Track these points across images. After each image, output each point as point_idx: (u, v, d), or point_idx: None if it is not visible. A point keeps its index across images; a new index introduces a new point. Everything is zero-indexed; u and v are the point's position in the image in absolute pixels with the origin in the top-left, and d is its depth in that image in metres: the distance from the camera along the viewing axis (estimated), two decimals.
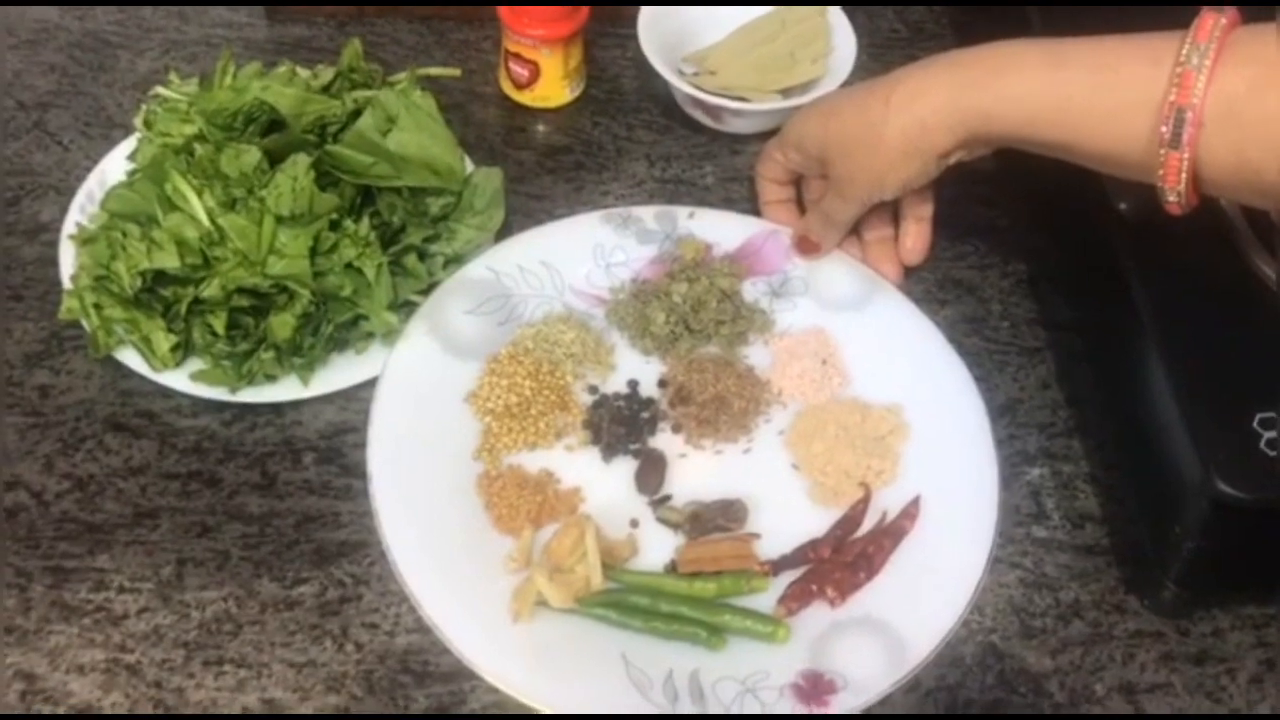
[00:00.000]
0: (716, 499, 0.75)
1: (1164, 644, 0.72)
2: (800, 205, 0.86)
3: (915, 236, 0.82)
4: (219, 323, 0.75)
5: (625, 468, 0.76)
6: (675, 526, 0.74)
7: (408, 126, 0.79)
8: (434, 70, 0.88)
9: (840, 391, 0.79)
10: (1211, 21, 0.62)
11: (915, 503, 0.74)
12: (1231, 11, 0.62)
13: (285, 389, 0.77)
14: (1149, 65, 0.63)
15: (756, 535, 0.74)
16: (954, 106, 0.71)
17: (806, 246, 0.83)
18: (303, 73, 0.84)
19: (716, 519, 0.74)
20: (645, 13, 0.93)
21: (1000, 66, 0.70)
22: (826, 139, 0.78)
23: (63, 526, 0.73)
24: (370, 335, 0.79)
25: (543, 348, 0.79)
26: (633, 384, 0.80)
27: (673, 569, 0.72)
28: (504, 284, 0.81)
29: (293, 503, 0.75)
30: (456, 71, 0.90)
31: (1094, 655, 0.72)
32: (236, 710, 0.67)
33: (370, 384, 0.76)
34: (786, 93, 0.93)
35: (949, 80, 0.72)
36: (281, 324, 0.75)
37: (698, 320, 0.81)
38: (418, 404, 0.76)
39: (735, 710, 0.66)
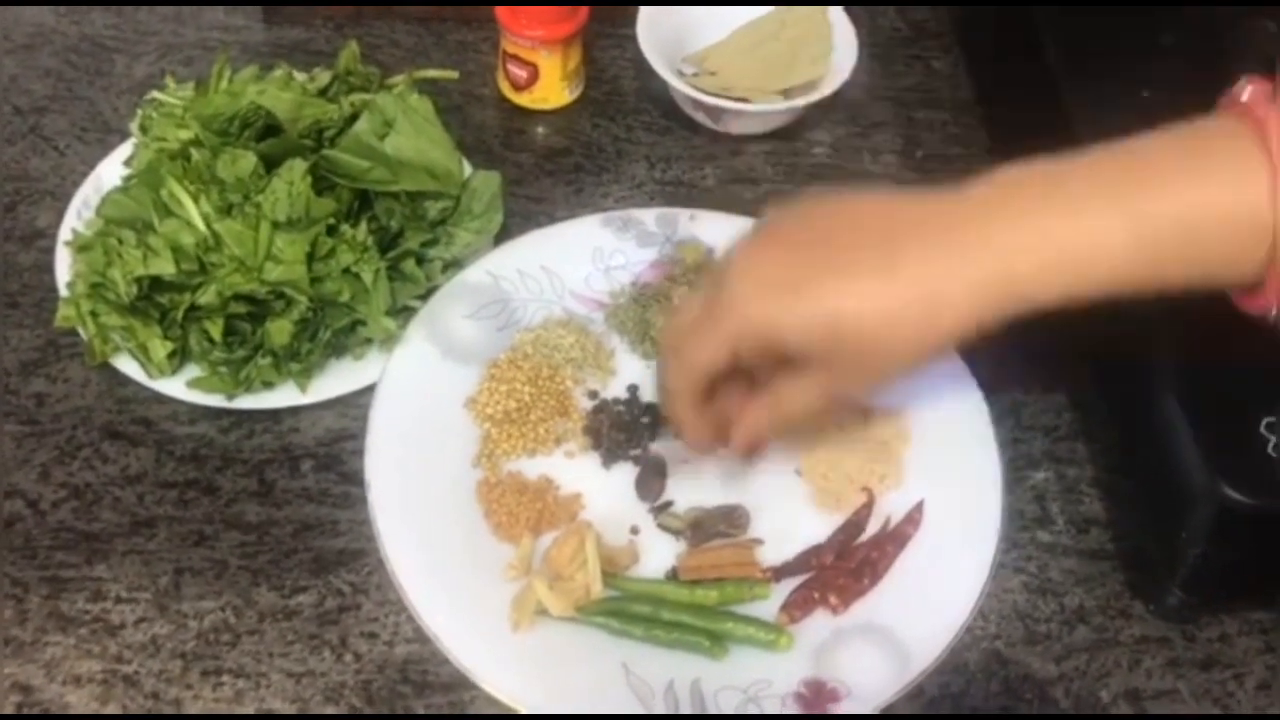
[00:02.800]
0: (718, 505, 0.74)
1: (1170, 650, 0.72)
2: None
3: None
4: (216, 329, 0.75)
5: (625, 474, 0.75)
6: (676, 533, 0.73)
7: (405, 130, 0.79)
8: (432, 73, 0.87)
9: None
10: None
11: (919, 508, 0.73)
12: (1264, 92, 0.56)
13: (283, 396, 0.77)
14: (1234, 188, 0.55)
15: (759, 541, 0.73)
16: (1008, 302, 0.58)
17: (752, 449, 0.69)
18: (299, 76, 0.83)
19: (718, 525, 0.73)
20: (644, 13, 0.92)
21: (1018, 238, 0.57)
22: (834, 350, 0.60)
23: (59, 536, 0.73)
24: (368, 341, 0.78)
25: (542, 352, 0.79)
26: (633, 389, 0.79)
27: (674, 576, 0.71)
28: (503, 288, 0.81)
29: (291, 511, 0.74)
30: (454, 74, 0.89)
31: (1099, 661, 0.71)
32: None
33: (369, 390, 0.76)
34: (787, 93, 0.92)
35: (999, 276, 0.57)
36: (279, 330, 0.75)
37: None
38: (416, 410, 0.75)
39: None
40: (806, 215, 0.62)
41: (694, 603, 0.70)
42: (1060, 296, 0.58)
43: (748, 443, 0.68)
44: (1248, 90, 0.56)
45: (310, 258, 0.75)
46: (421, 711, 0.68)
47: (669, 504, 0.74)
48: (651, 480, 0.75)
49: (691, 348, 0.63)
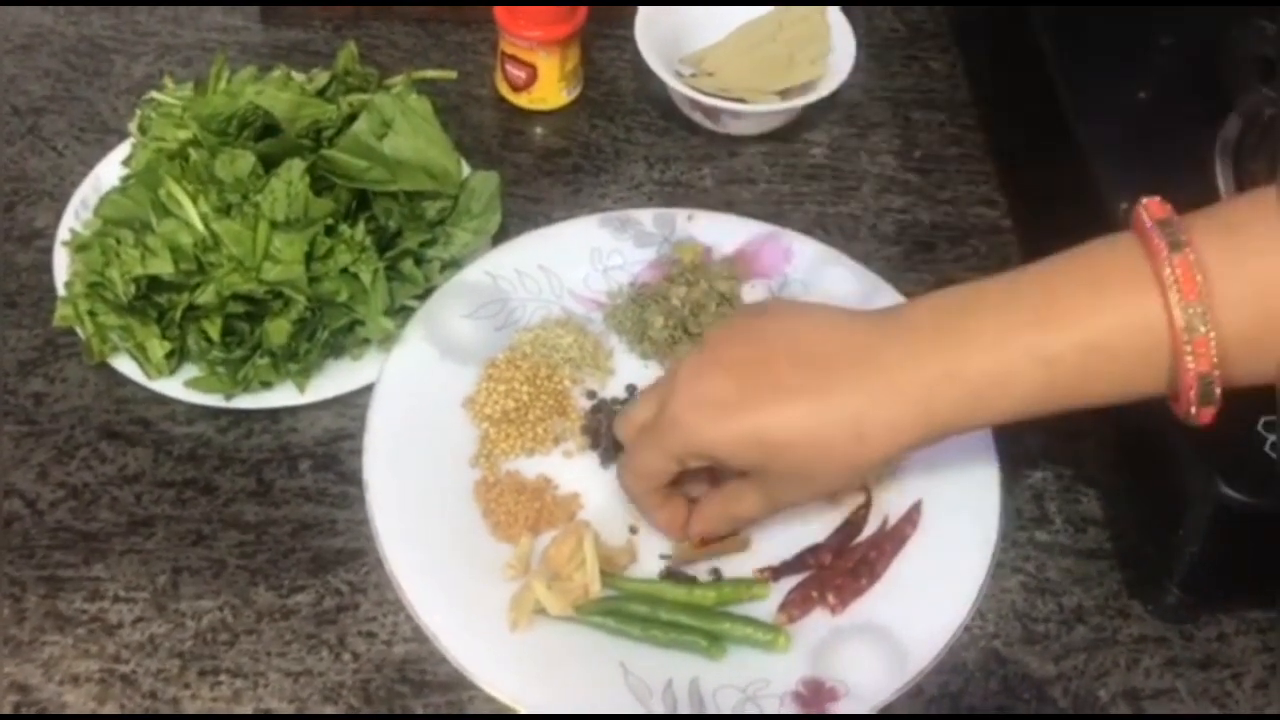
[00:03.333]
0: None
1: (1168, 649, 0.72)
2: None
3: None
4: (214, 329, 0.75)
5: None
6: None
7: (403, 130, 0.79)
8: (430, 73, 0.87)
9: None
10: (1185, 269, 0.55)
11: (917, 507, 0.73)
12: (1155, 227, 0.57)
13: (281, 395, 0.77)
14: (1134, 312, 0.57)
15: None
16: (931, 432, 0.63)
17: (708, 541, 0.72)
18: (298, 77, 0.83)
19: None
20: (643, 13, 0.92)
21: (931, 380, 0.61)
22: (767, 467, 0.65)
23: (57, 535, 0.72)
24: (367, 341, 0.78)
25: (540, 352, 0.79)
26: (631, 389, 0.79)
27: (668, 576, 0.71)
28: (501, 288, 0.81)
29: (289, 510, 0.74)
30: (453, 74, 0.89)
31: (1098, 661, 0.71)
32: None
33: (367, 390, 0.76)
34: (785, 94, 0.92)
35: (920, 409, 0.61)
36: (277, 330, 0.75)
37: (696, 324, 0.80)
38: (415, 410, 0.75)
39: None
40: (746, 335, 0.66)
41: (692, 602, 0.70)
42: (978, 426, 0.64)
43: (702, 535, 0.71)
44: (1147, 213, 0.58)
45: (308, 257, 0.75)
46: (420, 711, 0.68)
47: None
48: None
49: (640, 457, 0.68)
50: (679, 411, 0.64)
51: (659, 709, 0.66)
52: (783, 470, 0.64)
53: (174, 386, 0.76)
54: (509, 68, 0.93)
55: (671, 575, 0.71)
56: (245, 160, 0.75)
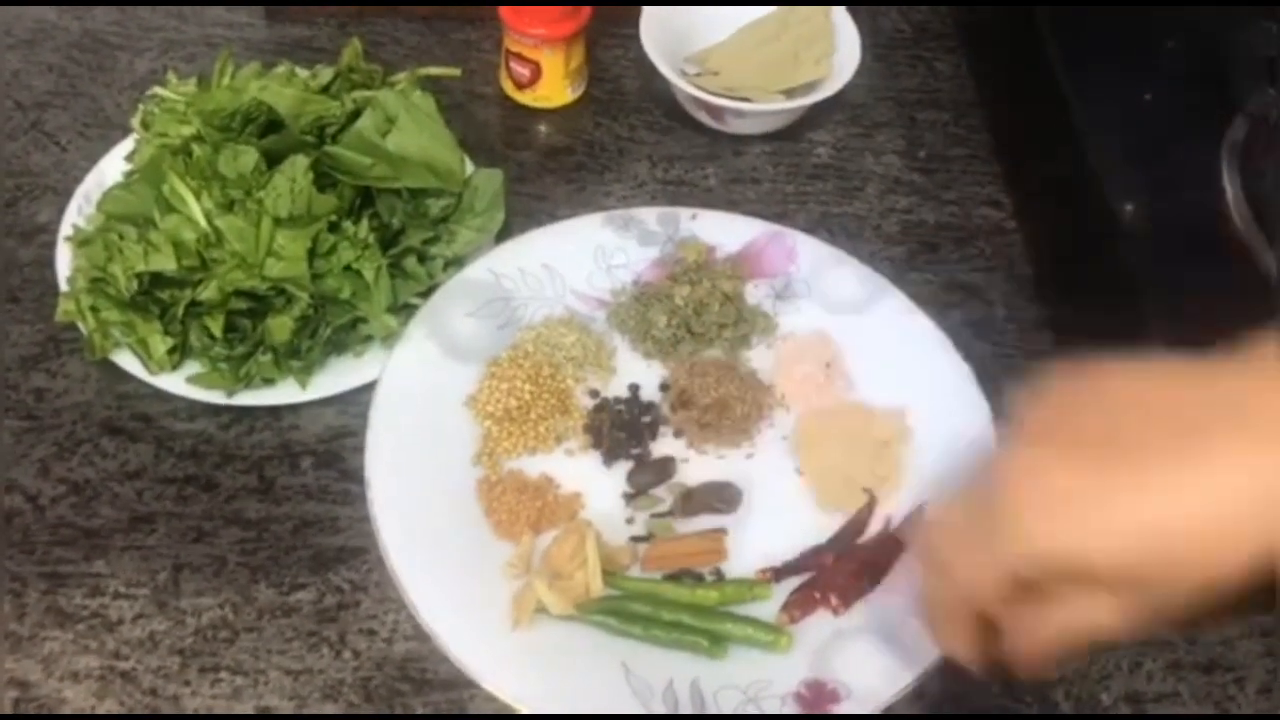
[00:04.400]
0: (708, 481, 0.74)
1: (1172, 652, 0.72)
2: None
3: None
4: (216, 325, 0.75)
5: (626, 473, 0.75)
6: (666, 513, 0.73)
7: (407, 127, 0.78)
8: (434, 70, 0.87)
9: (844, 396, 0.79)
10: None
11: (920, 509, 0.73)
12: None
13: (283, 392, 0.77)
14: None
15: (724, 531, 0.73)
16: None
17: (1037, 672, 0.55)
18: (302, 73, 0.83)
19: (710, 501, 0.73)
20: (647, 12, 0.92)
21: None
22: (1149, 568, 0.47)
23: (58, 531, 0.72)
24: (369, 338, 0.78)
25: (543, 351, 0.79)
26: (634, 388, 0.79)
27: (671, 576, 0.71)
28: (504, 286, 0.81)
29: (290, 508, 0.74)
30: (457, 71, 0.89)
31: (1100, 664, 0.71)
32: None
33: (369, 387, 0.76)
34: (790, 93, 0.92)
35: None
36: (279, 326, 0.75)
37: (700, 323, 0.80)
38: (417, 408, 0.75)
39: None
40: (1071, 407, 0.51)
41: (694, 602, 0.70)
42: None
43: (1032, 666, 0.54)
44: None
45: (311, 254, 0.75)
46: (420, 709, 0.68)
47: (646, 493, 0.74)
48: (642, 476, 0.75)
49: (966, 574, 0.53)
50: (1024, 514, 0.49)
51: (660, 709, 0.66)
52: (1172, 568, 0.47)
53: (176, 383, 0.76)
54: (513, 65, 0.92)
55: (674, 576, 0.71)
56: (248, 156, 0.75)
